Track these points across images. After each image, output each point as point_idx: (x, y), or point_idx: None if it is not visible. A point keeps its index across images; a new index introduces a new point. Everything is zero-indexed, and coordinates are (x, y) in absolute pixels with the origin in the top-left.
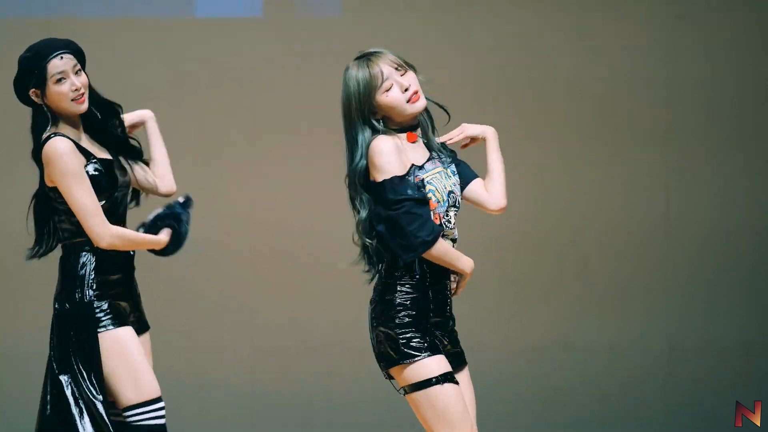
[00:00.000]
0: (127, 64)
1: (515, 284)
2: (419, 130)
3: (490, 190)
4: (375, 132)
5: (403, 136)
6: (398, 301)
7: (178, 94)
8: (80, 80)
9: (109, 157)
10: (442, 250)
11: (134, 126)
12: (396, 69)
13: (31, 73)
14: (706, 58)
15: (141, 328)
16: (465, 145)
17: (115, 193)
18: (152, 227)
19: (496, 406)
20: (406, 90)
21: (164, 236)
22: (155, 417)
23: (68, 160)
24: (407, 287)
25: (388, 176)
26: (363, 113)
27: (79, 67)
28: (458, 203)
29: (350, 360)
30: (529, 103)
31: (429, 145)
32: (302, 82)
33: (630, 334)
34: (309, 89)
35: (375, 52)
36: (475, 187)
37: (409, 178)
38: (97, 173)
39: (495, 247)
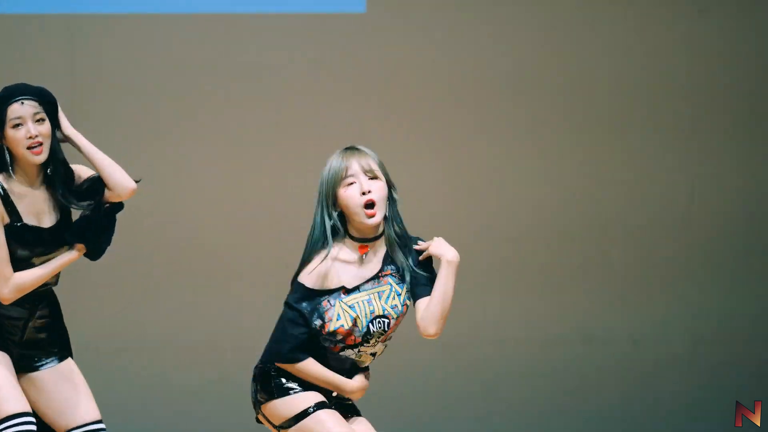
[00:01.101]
0: (146, 60)
1: (536, 276)
2: (377, 244)
3: (424, 314)
4: (332, 222)
5: (355, 246)
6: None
7: (197, 90)
8: (39, 129)
9: (47, 224)
10: (306, 371)
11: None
12: (365, 173)
13: None
14: (728, 52)
15: (57, 359)
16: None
17: (30, 254)
18: (74, 235)
19: (515, 397)
20: (363, 194)
21: (75, 254)
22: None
23: None
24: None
25: (300, 282)
26: (327, 199)
27: (41, 116)
28: (387, 327)
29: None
30: (552, 97)
31: (391, 259)
32: (324, 79)
33: (652, 326)
34: (333, 87)
35: (358, 149)
36: (418, 305)
37: (319, 299)
38: (13, 234)
39: (516, 239)
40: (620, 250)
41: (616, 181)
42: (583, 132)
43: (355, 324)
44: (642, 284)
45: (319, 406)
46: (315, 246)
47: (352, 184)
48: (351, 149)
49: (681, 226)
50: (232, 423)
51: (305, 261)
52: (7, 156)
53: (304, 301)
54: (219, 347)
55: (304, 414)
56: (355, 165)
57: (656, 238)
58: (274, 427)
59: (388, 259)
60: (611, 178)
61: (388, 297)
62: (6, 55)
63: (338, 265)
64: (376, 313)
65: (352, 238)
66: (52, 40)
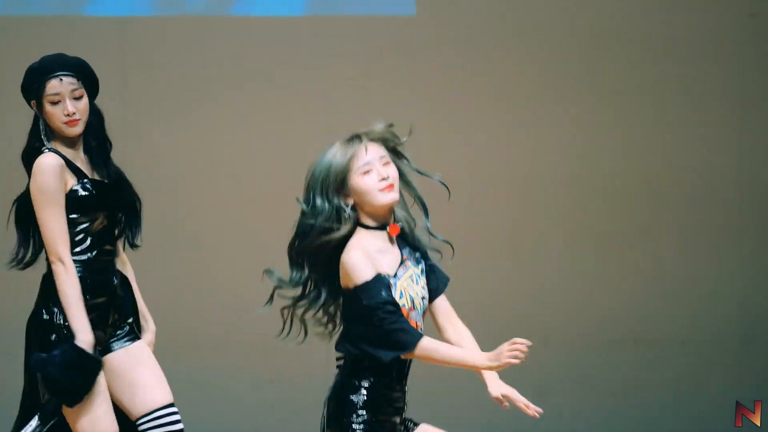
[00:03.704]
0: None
1: (586, 278)
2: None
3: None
4: (347, 212)
5: (382, 233)
6: (357, 402)
7: (247, 90)
8: (77, 105)
9: (103, 179)
10: (431, 348)
11: None
12: (380, 158)
13: (30, 86)
14: None
15: (129, 340)
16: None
17: (106, 212)
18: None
19: (565, 400)
20: (382, 179)
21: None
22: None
23: (49, 180)
24: (368, 386)
25: (360, 282)
26: (332, 190)
27: (80, 92)
28: (426, 306)
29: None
30: (596, 92)
31: (408, 242)
32: (374, 81)
33: (702, 328)
34: (383, 89)
35: (370, 138)
36: (440, 304)
37: (383, 279)
38: (86, 192)
39: (565, 241)
40: (671, 252)
41: (663, 181)
42: (632, 131)
43: (413, 304)
44: (692, 286)
45: None
46: (324, 232)
47: (368, 172)
48: (358, 138)
49: (732, 229)
50: (284, 423)
51: (318, 244)
52: (44, 126)
53: (382, 290)
54: (270, 347)
55: None
56: (372, 153)
57: (707, 241)
58: None
59: (402, 243)
60: (662, 180)
61: (417, 280)
62: None
63: (372, 254)
64: (420, 295)
65: (366, 227)
66: (103, 42)
